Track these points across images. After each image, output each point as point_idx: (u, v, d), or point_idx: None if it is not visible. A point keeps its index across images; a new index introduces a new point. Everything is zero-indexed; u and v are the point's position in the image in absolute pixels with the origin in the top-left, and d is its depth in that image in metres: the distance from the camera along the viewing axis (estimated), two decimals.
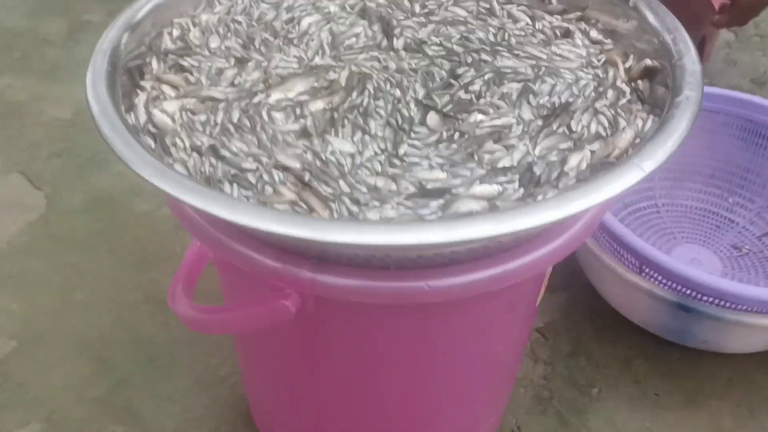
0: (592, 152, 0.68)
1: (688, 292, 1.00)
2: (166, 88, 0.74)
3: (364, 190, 0.65)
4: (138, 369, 1.10)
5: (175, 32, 0.82)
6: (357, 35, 0.84)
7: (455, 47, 0.82)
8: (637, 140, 0.66)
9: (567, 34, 0.83)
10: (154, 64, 0.77)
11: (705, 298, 1.00)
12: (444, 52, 0.81)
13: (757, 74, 1.73)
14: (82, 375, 1.09)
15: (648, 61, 0.75)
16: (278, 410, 0.94)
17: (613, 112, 0.72)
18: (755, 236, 1.28)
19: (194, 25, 0.83)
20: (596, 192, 0.57)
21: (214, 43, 0.81)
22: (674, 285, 1.01)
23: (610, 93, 0.74)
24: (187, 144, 0.68)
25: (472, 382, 0.88)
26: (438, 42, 0.83)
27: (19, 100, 1.56)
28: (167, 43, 0.80)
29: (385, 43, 0.83)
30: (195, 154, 0.67)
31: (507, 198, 0.64)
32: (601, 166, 0.66)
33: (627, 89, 0.75)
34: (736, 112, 1.27)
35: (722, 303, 0.99)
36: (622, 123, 0.70)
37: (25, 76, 1.62)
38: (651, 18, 0.77)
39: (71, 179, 1.38)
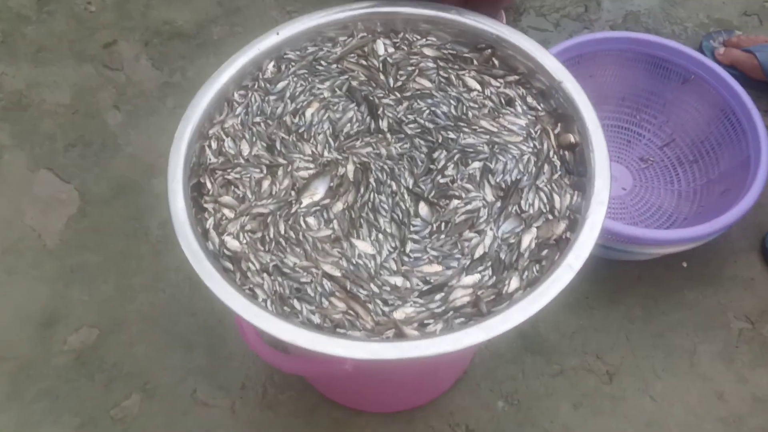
0: (538, 228, 0.99)
1: (607, 236, 1.35)
2: (225, 211, 1.01)
3: (388, 289, 0.95)
4: (200, 338, 1.43)
5: (214, 145, 1.06)
6: (350, 120, 1.09)
7: (427, 124, 1.08)
8: (568, 233, 0.96)
9: (510, 102, 1.10)
10: (209, 184, 1.03)
11: (619, 240, 1.35)
12: (420, 130, 1.08)
13: None
14: (158, 348, 1.42)
15: (571, 138, 1.03)
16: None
17: (549, 187, 1.01)
18: (658, 147, 1.61)
19: (226, 134, 1.06)
20: (544, 296, 0.89)
21: (246, 150, 1.06)
22: None
23: (546, 168, 1.03)
24: (257, 266, 0.96)
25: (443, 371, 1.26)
26: (413, 119, 1.09)
27: (18, 89, 1.72)
28: (210, 157, 1.05)
29: (373, 125, 1.08)
30: (266, 275, 0.96)
31: (484, 284, 0.95)
32: (545, 246, 0.97)
33: (558, 162, 1.04)
34: (641, 50, 1.54)
35: (630, 242, 1.35)
36: (556, 198, 1.00)
37: (16, 62, 1.76)
38: (573, 96, 1.04)
39: (92, 168, 1.61)
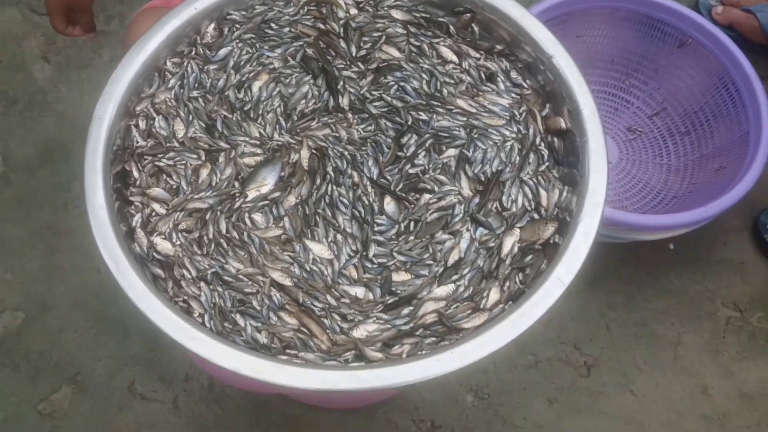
0: (522, 229, 0.85)
1: None
2: (155, 206, 0.85)
3: (347, 301, 0.82)
4: (137, 323, 1.28)
5: (142, 124, 0.89)
6: (305, 96, 0.93)
7: (395, 102, 0.92)
8: (557, 236, 0.83)
9: (491, 77, 0.94)
10: (135, 172, 0.87)
11: (606, 224, 1.22)
12: (386, 109, 0.92)
13: None
14: (91, 334, 1.28)
15: (562, 123, 0.89)
16: None
17: (535, 180, 0.87)
18: (647, 116, 1.48)
19: (156, 112, 0.90)
20: (528, 315, 0.77)
21: (180, 130, 0.89)
22: None
23: (532, 157, 0.89)
24: (193, 273, 0.82)
25: None
26: (379, 96, 0.93)
27: None
28: (138, 139, 0.89)
29: (332, 102, 0.93)
30: (203, 285, 0.81)
31: (459, 296, 0.82)
32: (529, 251, 0.84)
33: (545, 151, 0.89)
34: (635, 9, 1.38)
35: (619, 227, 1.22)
36: (543, 194, 0.87)
37: None
38: (564, 73, 0.89)
39: (17, 129, 1.43)
